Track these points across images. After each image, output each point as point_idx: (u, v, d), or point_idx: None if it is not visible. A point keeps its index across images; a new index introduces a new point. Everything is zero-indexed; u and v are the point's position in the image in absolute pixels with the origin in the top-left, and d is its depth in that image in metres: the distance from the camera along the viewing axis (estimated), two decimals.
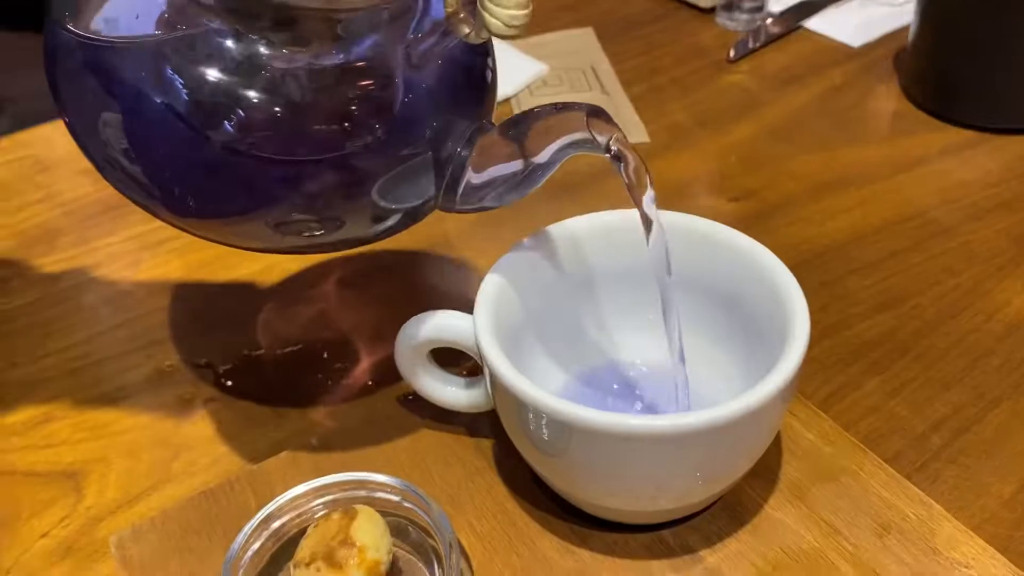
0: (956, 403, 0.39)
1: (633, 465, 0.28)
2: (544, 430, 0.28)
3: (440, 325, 0.32)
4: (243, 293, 0.47)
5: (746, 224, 0.34)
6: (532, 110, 0.29)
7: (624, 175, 0.29)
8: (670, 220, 0.34)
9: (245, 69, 0.27)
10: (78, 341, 0.45)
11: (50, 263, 0.50)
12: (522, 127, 0.29)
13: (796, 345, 0.29)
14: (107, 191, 0.55)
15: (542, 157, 0.29)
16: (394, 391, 0.39)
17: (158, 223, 0.52)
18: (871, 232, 0.48)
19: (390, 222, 0.31)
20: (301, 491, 0.32)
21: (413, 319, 0.33)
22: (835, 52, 0.64)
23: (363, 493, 0.32)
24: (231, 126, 0.27)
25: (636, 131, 0.57)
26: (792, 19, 0.67)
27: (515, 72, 0.61)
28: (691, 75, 0.63)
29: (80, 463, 0.39)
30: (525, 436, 0.30)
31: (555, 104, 0.29)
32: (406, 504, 0.32)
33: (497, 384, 0.29)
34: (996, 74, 0.54)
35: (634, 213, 0.31)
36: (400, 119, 0.29)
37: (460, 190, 0.30)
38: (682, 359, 0.31)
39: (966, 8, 0.53)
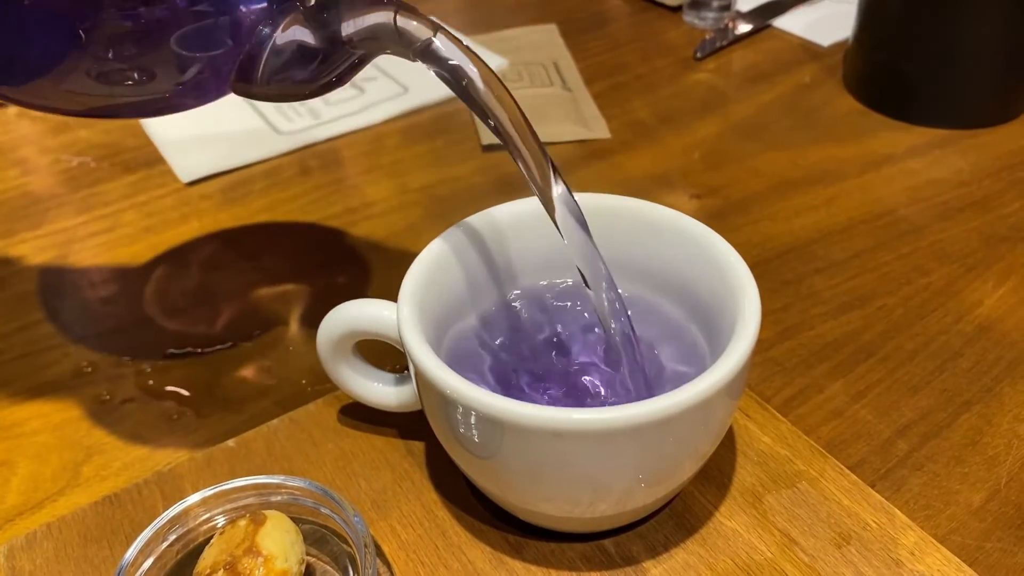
0: (924, 407, 0.36)
1: (567, 464, 0.25)
2: (472, 427, 0.26)
3: (363, 315, 0.30)
4: (170, 291, 0.44)
5: (708, 221, 0.31)
6: None
7: (459, 92, 0.27)
8: (615, 204, 0.32)
9: None
10: None
11: None
12: (333, 11, 0.27)
13: (743, 338, 0.26)
14: (38, 183, 0.52)
15: (346, 36, 0.27)
16: (321, 392, 0.37)
17: (87, 217, 0.49)
18: (837, 231, 0.46)
19: (187, 78, 0.28)
20: (209, 494, 0.29)
21: (335, 309, 0.31)
22: (803, 51, 0.63)
23: (276, 498, 0.29)
24: None
25: (598, 127, 0.55)
26: (760, 18, 0.65)
27: None
28: (656, 72, 0.61)
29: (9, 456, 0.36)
30: (453, 436, 0.27)
31: None
32: (323, 510, 0.29)
33: (420, 377, 0.27)
34: (944, 72, 0.52)
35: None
36: None
37: (259, 67, 0.28)
38: (626, 338, 0.28)
39: (909, 8, 0.52)
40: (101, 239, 0.48)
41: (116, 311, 0.43)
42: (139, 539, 0.28)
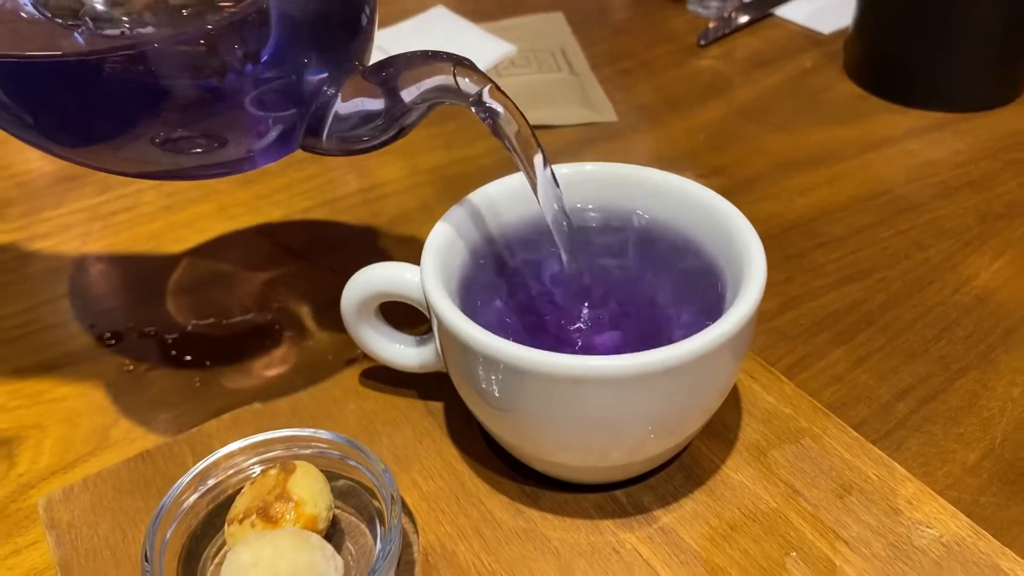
0: (922, 373, 0.38)
1: (583, 410, 0.27)
2: (493, 377, 0.27)
3: (387, 276, 0.31)
4: (191, 264, 0.46)
5: None
6: (402, 54, 0.29)
7: (496, 131, 0.29)
8: (624, 172, 0.33)
9: None
10: (20, 310, 0.43)
11: None
12: (391, 70, 0.29)
13: (747, 296, 0.27)
14: (58, 165, 0.54)
15: (406, 97, 0.29)
16: (343, 355, 0.38)
17: (108, 196, 0.51)
18: (838, 208, 0.47)
19: (253, 146, 0.30)
20: (239, 446, 0.30)
21: (359, 272, 0.32)
22: (805, 38, 0.64)
23: (304, 450, 0.31)
24: (107, 53, 0.27)
25: (604, 110, 0.56)
26: (762, 7, 0.66)
27: (481, 52, 0.60)
28: (661, 59, 0.62)
29: (15, 429, 0.37)
30: (474, 388, 0.29)
31: (426, 51, 0.29)
32: (349, 462, 0.30)
33: (443, 330, 0.28)
34: (941, 57, 0.54)
35: (568, 165, 0.30)
36: (271, 47, 0.28)
37: (326, 128, 0.30)
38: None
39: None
40: (122, 217, 0.49)
41: (138, 285, 0.45)
42: (173, 489, 0.29)
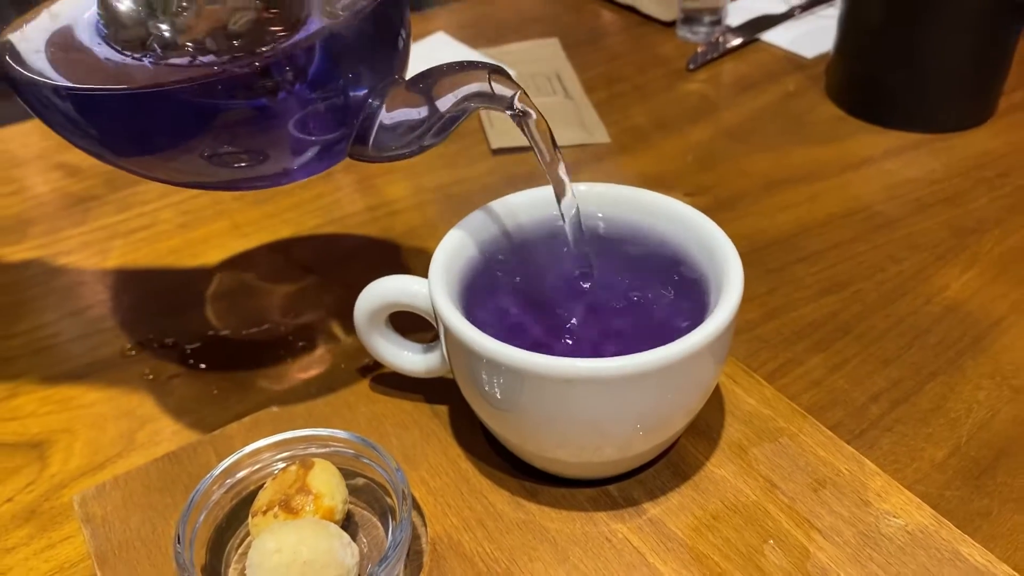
0: (894, 378, 0.40)
1: (577, 408, 0.29)
2: (495, 378, 0.30)
3: (397, 288, 0.34)
4: (208, 278, 0.48)
5: None
6: (439, 66, 0.32)
7: (528, 134, 0.32)
8: (618, 192, 0.36)
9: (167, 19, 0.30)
10: (47, 322, 0.46)
11: (21, 251, 0.51)
12: (429, 80, 0.31)
13: (725, 305, 0.30)
14: (79, 186, 0.57)
15: (445, 104, 0.31)
16: (354, 363, 0.41)
17: (127, 215, 0.53)
18: (818, 224, 0.50)
19: (304, 159, 0.33)
20: (261, 445, 0.33)
21: (371, 284, 0.35)
22: (788, 62, 0.67)
23: (322, 449, 0.33)
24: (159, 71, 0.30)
25: (598, 132, 0.59)
26: (748, 32, 0.69)
27: None
28: (652, 83, 0.65)
29: (46, 434, 0.40)
30: (478, 390, 0.31)
31: (461, 62, 0.31)
32: (363, 459, 0.33)
33: (450, 336, 0.31)
34: (916, 80, 0.57)
35: (579, 186, 0.33)
36: (322, 68, 0.31)
37: (371, 138, 0.32)
38: None
39: (886, 22, 0.56)
40: (141, 235, 0.52)
41: (157, 299, 0.47)
42: (201, 483, 0.32)
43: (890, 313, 0.44)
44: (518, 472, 0.35)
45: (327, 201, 0.54)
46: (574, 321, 0.34)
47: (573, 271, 0.35)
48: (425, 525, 0.33)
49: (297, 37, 0.31)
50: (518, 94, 0.31)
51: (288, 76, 0.30)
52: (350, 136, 0.33)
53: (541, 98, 0.62)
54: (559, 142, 0.57)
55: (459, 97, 0.31)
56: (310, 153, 0.33)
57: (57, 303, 0.47)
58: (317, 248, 0.50)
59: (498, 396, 0.31)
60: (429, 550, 0.32)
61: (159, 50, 0.31)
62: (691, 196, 0.53)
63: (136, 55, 0.31)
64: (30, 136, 0.61)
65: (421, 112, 0.32)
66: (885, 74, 0.58)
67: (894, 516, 0.32)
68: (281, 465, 0.33)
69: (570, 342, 0.33)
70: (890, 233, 0.49)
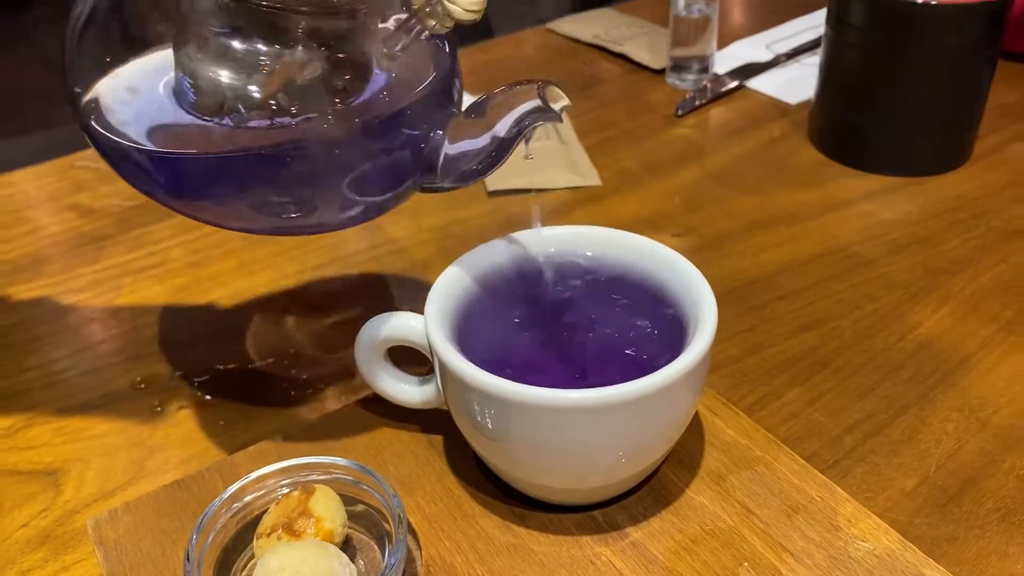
0: (868, 410, 0.43)
1: (561, 436, 0.31)
2: (487, 407, 0.32)
3: (395, 324, 0.36)
4: (215, 315, 0.51)
5: (686, 255, 0.38)
6: (492, 92, 0.33)
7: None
8: (605, 234, 0.39)
9: (238, 69, 0.32)
10: (60, 357, 0.48)
11: (36, 288, 0.54)
12: (484, 106, 0.33)
13: (699, 341, 0.32)
14: (91, 225, 0.59)
15: (503, 128, 0.33)
16: (354, 395, 0.43)
17: (138, 254, 0.56)
18: (798, 264, 0.53)
19: (378, 201, 0.36)
20: (265, 472, 0.35)
21: (371, 320, 0.37)
22: (773, 108, 0.70)
23: (323, 476, 0.35)
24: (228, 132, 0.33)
25: (589, 175, 0.61)
26: (735, 79, 0.72)
27: None
28: (641, 128, 0.68)
29: (59, 462, 0.42)
30: (470, 419, 0.33)
31: (512, 84, 0.33)
32: (362, 486, 0.35)
33: (444, 368, 0.33)
34: (893, 126, 0.59)
35: (562, 229, 0.35)
36: (391, 116, 0.34)
37: (438, 171, 0.34)
38: None
39: (864, 70, 0.59)
40: (151, 273, 0.54)
41: (166, 334, 0.50)
42: (208, 509, 0.34)
43: (865, 349, 0.46)
44: (508, 498, 0.36)
45: (331, 240, 0.56)
46: (561, 355, 0.36)
47: (562, 308, 0.37)
48: (420, 548, 0.35)
49: (368, 94, 0.34)
50: (567, 104, 0.32)
51: (360, 130, 0.33)
52: (419, 172, 0.35)
53: (535, 143, 0.65)
54: (553, 185, 0.60)
55: (516, 117, 0.32)
56: (384, 196, 0.35)
57: (70, 338, 0.50)
58: (320, 285, 0.53)
59: (489, 425, 0.33)
60: (423, 572, 0.34)
61: (235, 111, 0.33)
62: (678, 236, 0.55)
63: (213, 117, 0.33)
64: (45, 178, 0.64)
65: (483, 139, 0.33)
66: (864, 120, 0.60)
67: (863, 540, 0.34)
68: (284, 491, 0.35)
69: (557, 374, 0.35)
70: (867, 272, 0.52)
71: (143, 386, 0.46)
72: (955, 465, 0.40)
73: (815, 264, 0.53)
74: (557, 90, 0.32)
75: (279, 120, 0.33)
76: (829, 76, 0.62)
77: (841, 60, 0.60)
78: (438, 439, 0.40)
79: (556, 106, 0.32)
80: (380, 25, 0.34)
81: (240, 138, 0.33)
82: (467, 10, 0.31)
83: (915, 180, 0.60)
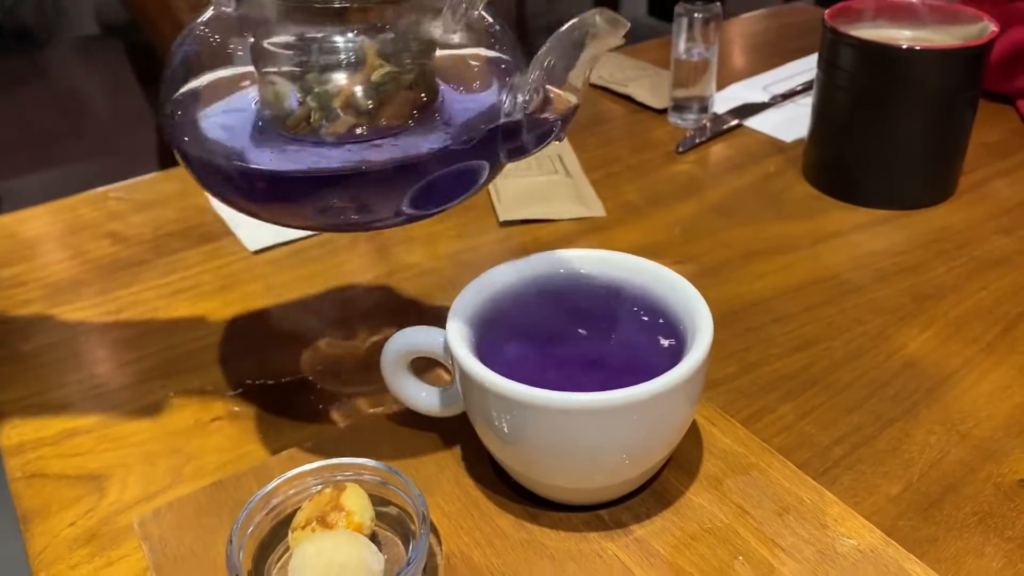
0: (856, 423, 0.46)
1: (571, 437, 0.34)
2: (504, 410, 0.35)
3: (418, 337, 0.39)
4: (245, 333, 0.54)
5: None
6: (550, 44, 0.35)
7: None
8: (613, 256, 0.42)
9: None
10: (100, 372, 0.51)
11: (77, 309, 0.57)
12: (547, 55, 0.35)
13: (696, 351, 0.36)
14: (127, 252, 0.63)
15: (576, 74, 0.34)
16: (379, 404, 0.46)
17: (172, 278, 0.59)
18: (791, 290, 0.56)
19: (476, 182, 0.39)
20: (299, 471, 0.38)
21: (396, 334, 0.40)
22: (769, 146, 0.74)
23: (352, 475, 0.38)
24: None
25: (595, 207, 0.65)
26: (733, 118, 0.76)
27: None
28: (644, 163, 0.72)
29: (104, 468, 0.45)
30: (486, 420, 0.37)
31: (564, 27, 0.34)
32: (388, 486, 0.38)
33: (464, 374, 0.36)
34: (881, 163, 0.63)
35: (571, 252, 0.39)
36: (458, 100, 0.38)
37: (522, 135, 0.37)
38: None
39: (853, 111, 0.63)
40: (184, 296, 0.58)
41: (199, 352, 0.53)
42: (247, 504, 0.37)
43: (854, 368, 0.49)
44: (522, 499, 0.40)
45: (352, 267, 0.60)
46: (571, 364, 0.39)
47: (571, 323, 0.40)
48: (440, 544, 0.38)
49: (441, 88, 0.37)
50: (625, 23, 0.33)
51: (443, 126, 0.36)
52: (503, 144, 0.37)
53: (544, 176, 0.68)
54: (560, 216, 0.64)
55: (586, 59, 0.34)
56: (480, 181, 0.38)
57: (109, 355, 0.53)
58: (343, 306, 0.56)
59: (505, 428, 0.36)
60: (444, 564, 0.37)
61: (319, 127, 0.36)
62: (679, 264, 0.59)
63: (300, 136, 0.37)
64: (83, 207, 0.68)
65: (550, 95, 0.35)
66: (853, 157, 0.64)
67: (848, 537, 0.37)
68: (316, 489, 0.38)
69: (567, 382, 0.38)
70: (856, 298, 0.55)
71: (179, 399, 0.49)
72: (937, 473, 0.43)
73: (807, 290, 0.56)
74: (609, 12, 0.33)
75: (362, 130, 0.36)
76: (821, 116, 0.66)
77: (832, 101, 0.64)
78: (456, 444, 0.43)
79: (615, 28, 0.33)
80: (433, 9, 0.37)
81: (327, 156, 0.36)
82: None
83: (902, 213, 0.64)
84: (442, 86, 0.39)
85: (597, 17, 0.33)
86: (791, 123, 0.76)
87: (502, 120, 0.36)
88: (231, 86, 0.40)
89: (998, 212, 0.64)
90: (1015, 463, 0.43)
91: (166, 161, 1.83)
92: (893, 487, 0.42)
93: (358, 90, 0.36)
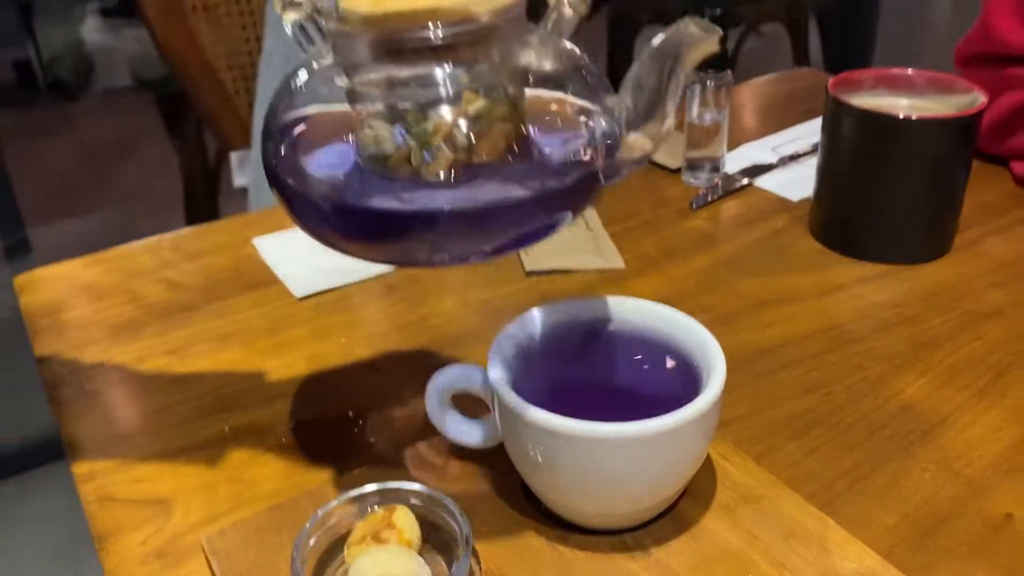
0: (857, 461, 0.50)
1: (599, 464, 0.39)
2: (537, 438, 0.39)
3: (459, 374, 0.44)
4: (294, 374, 0.59)
5: None
6: (646, 64, 0.36)
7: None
8: (637, 303, 0.47)
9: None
10: (159, 407, 0.56)
11: (135, 349, 0.62)
12: (640, 72, 0.36)
13: (710, 390, 0.40)
14: (181, 297, 0.68)
15: (674, 89, 0.36)
16: (422, 437, 0.50)
17: (223, 321, 0.64)
18: (798, 338, 0.60)
19: (576, 207, 0.40)
20: (352, 495, 0.43)
21: (439, 371, 0.45)
22: (778, 204, 0.79)
23: (401, 498, 0.43)
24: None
25: (614, 259, 0.70)
26: (744, 178, 0.82)
27: None
28: (660, 219, 0.77)
29: (169, 493, 0.49)
30: (522, 449, 0.41)
31: (657, 45, 0.36)
32: (433, 508, 0.42)
33: (503, 406, 0.41)
34: (882, 221, 0.68)
35: (603, 298, 0.44)
36: (555, 130, 0.39)
37: (617, 155, 0.38)
38: None
39: (855, 173, 0.68)
40: (235, 338, 0.63)
41: (251, 391, 0.57)
42: (308, 524, 0.41)
43: (855, 410, 0.54)
44: (553, 523, 0.44)
45: (390, 312, 0.65)
46: (599, 400, 0.44)
47: (599, 363, 0.45)
48: (479, 564, 0.42)
49: (535, 122, 0.38)
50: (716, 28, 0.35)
51: (541, 161, 0.37)
52: (601, 166, 0.38)
53: (567, 229, 0.73)
54: (583, 267, 0.69)
55: (683, 71, 0.35)
56: (580, 206, 0.40)
57: (167, 392, 0.58)
58: (384, 348, 0.61)
59: (539, 456, 0.40)
60: None
61: (420, 165, 0.37)
62: (694, 313, 0.63)
63: (402, 176, 0.37)
64: (140, 255, 0.73)
65: (647, 102, 0.36)
66: (856, 216, 0.69)
67: (848, 561, 0.41)
68: (370, 510, 0.42)
69: (596, 413, 0.42)
70: (858, 346, 0.59)
71: (234, 433, 0.54)
72: (931, 507, 0.47)
73: (813, 338, 0.60)
74: (699, 20, 0.34)
75: (462, 166, 0.37)
76: (825, 177, 0.71)
77: (835, 164, 0.69)
78: (493, 473, 0.47)
79: (710, 34, 0.34)
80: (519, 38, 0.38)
81: (432, 194, 0.37)
82: None
83: (902, 268, 0.68)
84: (531, 117, 0.39)
85: (691, 26, 0.34)
86: (798, 183, 0.81)
87: (597, 147, 0.37)
88: (330, 129, 0.41)
89: (992, 267, 0.68)
90: (1002, 499, 0.47)
91: (192, 210, 1.90)
92: (890, 518, 0.46)
93: (456, 125, 0.37)
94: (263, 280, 0.69)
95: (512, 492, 0.46)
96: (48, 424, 0.55)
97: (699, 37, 0.34)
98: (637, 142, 0.38)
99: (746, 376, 0.57)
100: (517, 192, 0.37)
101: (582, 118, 0.40)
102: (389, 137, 0.37)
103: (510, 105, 0.38)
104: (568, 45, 0.40)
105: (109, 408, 0.56)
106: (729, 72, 0.78)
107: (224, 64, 1.21)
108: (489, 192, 0.37)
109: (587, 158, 0.38)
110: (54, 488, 1.63)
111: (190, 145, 1.84)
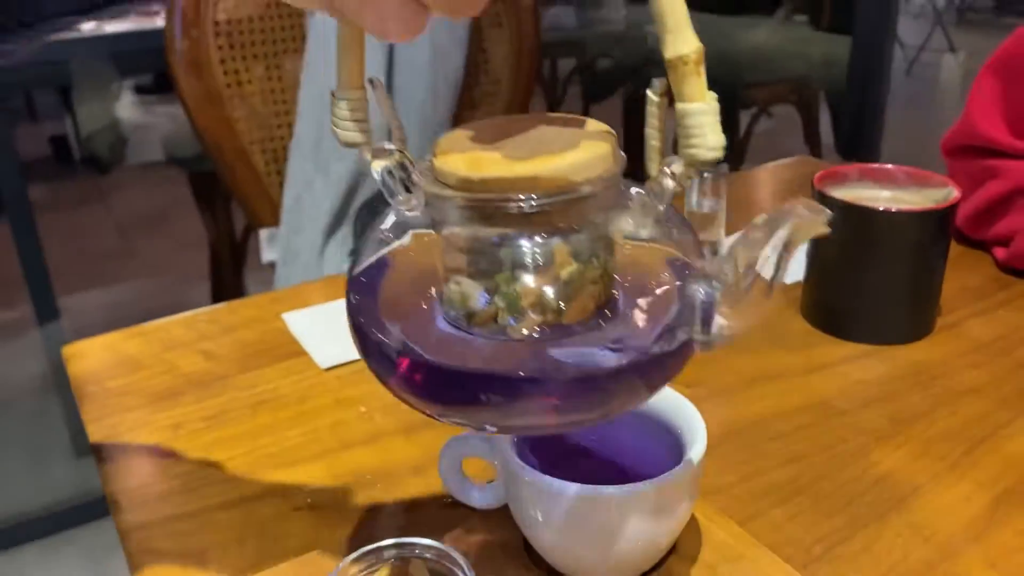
0: (835, 526, 0.54)
1: (592, 525, 0.43)
2: (539, 499, 0.44)
3: (468, 443, 0.49)
4: (319, 439, 0.64)
5: (695, 403, 0.51)
6: (734, 248, 0.35)
7: None
8: None
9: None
10: (191, 469, 0.61)
11: (174, 416, 0.67)
12: (746, 244, 0.35)
13: (692, 455, 0.45)
14: (216, 367, 0.73)
15: (773, 256, 0.35)
16: (433, 499, 0.55)
17: (256, 390, 0.69)
18: (786, 412, 0.65)
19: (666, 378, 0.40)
20: (369, 549, 0.47)
21: (450, 440, 0.50)
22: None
23: (415, 552, 0.47)
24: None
25: None
26: None
27: None
28: None
29: (202, 545, 0.54)
30: (524, 511, 0.46)
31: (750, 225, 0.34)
32: (444, 563, 0.47)
33: (509, 472, 0.46)
34: (866, 305, 0.73)
35: None
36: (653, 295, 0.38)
37: (712, 326, 0.37)
38: None
39: (841, 260, 0.74)
40: (265, 406, 0.68)
41: (279, 454, 0.63)
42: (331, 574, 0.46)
43: (836, 479, 0.58)
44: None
45: None
46: (593, 468, 0.48)
47: (593, 436, 0.50)
48: None
49: (633, 286, 0.37)
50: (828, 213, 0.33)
51: (631, 325, 0.36)
52: (698, 334, 0.37)
53: None
54: None
55: (781, 240, 0.34)
56: (673, 373, 0.39)
57: (201, 455, 0.63)
58: (400, 416, 0.66)
59: (540, 517, 0.45)
60: None
61: (505, 326, 0.36)
62: (689, 387, 0.68)
63: (486, 333, 0.36)
64: (177, 328, 0.79)
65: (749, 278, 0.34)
66: (842, 300, 0.74)
67: None
68: (386, 562, 0.47)
69: (589, 477, 0.47)
70: (841, 420, 0.64)
71: (263, 492, 0.59)
72: (903, 569, 0.51)
73: (800, 412, 0.65)
74: (810, 201, 0.33)
75: (548, 328, 0.35)
76: (813, 264, 0.76)
77: (822, 251, 0.75)
78: (500, 532, 0.52)
79: (818, 215, 0.33)
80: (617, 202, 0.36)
81: (519, 358, 0.35)
82: (711, 148, 0.33)
83: (885, 348, 0.73)
84: (626, 281, 0.38)
85: (800, 207, 0.33)
86: (790, 269, 0.86)
87: (693, 318, 0.36)
88: (413, 282, 0.40)
89: (971, 348, 0.73)
90: (968, 563, 0.51)
91: (218, 282, 1.97)
92: None
93: (547, 290, 0.35)
94: (292, 352, 0.75)
95: (515, 548, 0.50)
96: (72, 489, 0.59)
97: (807, 219, 0.34)
98: (731, 317, 0.37)
99: (736, 446, 0.61)
100: (605, 359, 0.36)
101: (677, 285, 0.39)
102: (475, 296, 0.36)
103: (602, 269, 0.37)
104: (667, 212, 0.38)
105: (151, 469, 0.61)
106: (726, 164, 0.85)
107: (258, 148, 1.29)
108: (573, 356, 0.36)
109: (682, 332, 0.37)
110: (75, 552, 1.67)
111: (219, 220, 1.92)
